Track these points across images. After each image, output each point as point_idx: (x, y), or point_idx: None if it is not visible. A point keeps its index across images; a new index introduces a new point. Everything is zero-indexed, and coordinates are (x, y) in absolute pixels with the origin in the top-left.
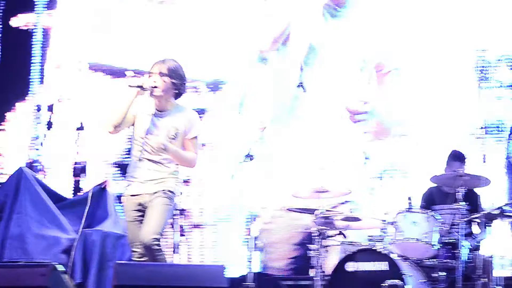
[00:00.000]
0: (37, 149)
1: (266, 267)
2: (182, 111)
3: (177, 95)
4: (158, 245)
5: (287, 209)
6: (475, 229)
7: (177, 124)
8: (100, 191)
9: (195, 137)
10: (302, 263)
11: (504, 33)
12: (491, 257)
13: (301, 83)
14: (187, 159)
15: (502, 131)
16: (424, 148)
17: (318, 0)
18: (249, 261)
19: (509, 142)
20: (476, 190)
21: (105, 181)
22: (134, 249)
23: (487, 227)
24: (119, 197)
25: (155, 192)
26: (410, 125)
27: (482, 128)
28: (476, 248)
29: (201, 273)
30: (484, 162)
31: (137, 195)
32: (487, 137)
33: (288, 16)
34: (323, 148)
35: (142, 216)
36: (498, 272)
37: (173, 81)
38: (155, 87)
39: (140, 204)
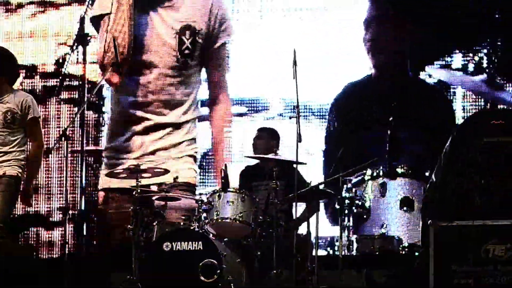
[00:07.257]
0: None
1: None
2: (17, 94)
3: (11, 80)
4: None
5: (103, 189)
6: (294, 207)
7: (12, 107)
8: None
9: (36, 119)
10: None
11: None
12: (308, 235)
13: None
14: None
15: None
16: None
17: None
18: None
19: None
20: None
21: None
22: None
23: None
24: None
25: None
26: None
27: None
28: (294, 226)
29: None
30: (300, 141)
31: None
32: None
33: None
34: None
35: None
36: (315, 251)
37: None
38: None
39: None
